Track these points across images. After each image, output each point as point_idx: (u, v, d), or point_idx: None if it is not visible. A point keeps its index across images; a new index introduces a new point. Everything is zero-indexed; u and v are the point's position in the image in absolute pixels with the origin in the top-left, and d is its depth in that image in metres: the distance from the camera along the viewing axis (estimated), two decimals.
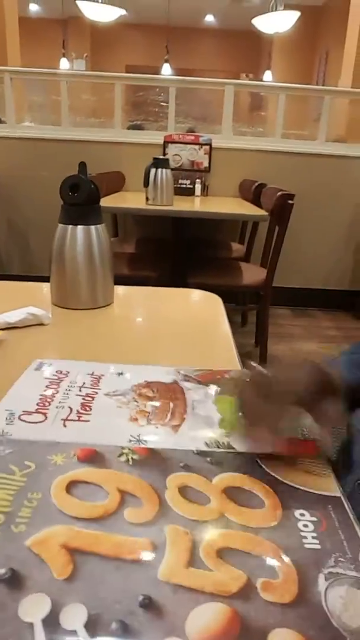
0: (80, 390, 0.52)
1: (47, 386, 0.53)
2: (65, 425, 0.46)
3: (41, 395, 0.51)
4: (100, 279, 0.84)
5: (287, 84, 3.20)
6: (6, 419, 0.47)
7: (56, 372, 0.57)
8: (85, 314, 0.82)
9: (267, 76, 7.47)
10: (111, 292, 0.87)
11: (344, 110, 3.68)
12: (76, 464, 0.39)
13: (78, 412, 0.49)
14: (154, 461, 0.40)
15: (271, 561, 0.30)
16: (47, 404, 0.50)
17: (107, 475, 0.38)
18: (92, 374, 0.56)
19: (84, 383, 0.54)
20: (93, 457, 0.40)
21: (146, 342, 0.73)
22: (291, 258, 2.75)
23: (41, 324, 0.74)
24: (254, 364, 0.49)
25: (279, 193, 2.00)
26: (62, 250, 0.81)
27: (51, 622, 0.25)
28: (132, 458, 0.40)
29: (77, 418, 0.47)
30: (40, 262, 3.01)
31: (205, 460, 0.40)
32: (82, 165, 0.81)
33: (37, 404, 0.50)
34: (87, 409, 0.49)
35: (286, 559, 0.30)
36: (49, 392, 0.52)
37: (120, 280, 0.92)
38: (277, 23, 5.38)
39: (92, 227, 0.81)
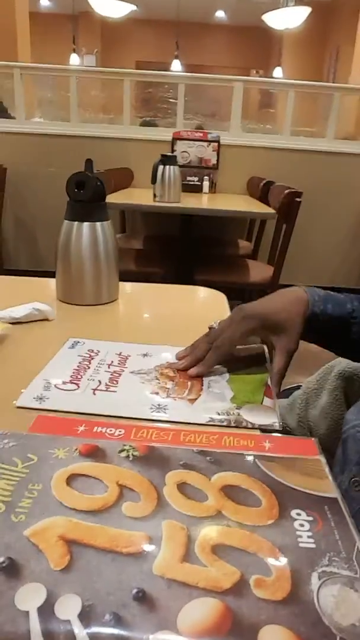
0: (109, 368, 0.60)
1: (79, 362, 0.61)
2: (94, 394, 0.54)
3: (75, 369, 0.59)
4: (105, 276, 0.84)
5: (296, 80, 3.18)
6: (44, 386, 0.54)
7: (88, 350, 0.64)
8: (90, 310, 0.82)
9: (277, 72, 7.43)
10: (116, 289, 0.88)
11: (353, 107, 3.64)
12: (78, 458, 0.40)
13: (106, 384, 0.56)
14: (154, 458, 0.40)
15: (265, 559, 0.30)
16: (79, 376, 0.57)
17: (107, 469, 0.38)
18: (120, 354, 0.64)
19: (112, 361, 0.62)
20: (95, 452, 0.41)
21: (149, 338, 0.73)
22: (298, 255, 2.74)
23: (46, 320, 0.75)
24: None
25: (287, 191, 1.99)
26: (68, 246, 0.81)
27: (46, 611, 0.26)
28: (132, 454, 0.41)
29: (105, 389, 0.55)
30: (47, 257, 3.03)
31: (205, 459, 0.41)
32: (89, 162, 0.81)
33: (71, 376, 0.57)
34: (115, 382, 0.56)
35: (280, 557, 0.31)
36: (82, 367, 0.60)
37: (127, 277, 0.92)
38: (287, 19, 5.35)
39: (98, 223, 0.81)
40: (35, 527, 0.32)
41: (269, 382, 0.57)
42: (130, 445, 0.42)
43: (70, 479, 0.37)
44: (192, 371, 0.58)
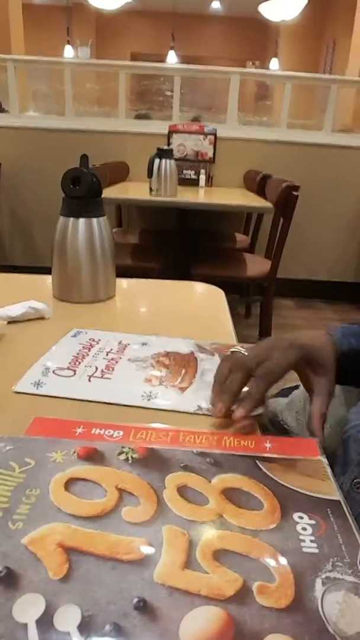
0: (107, 355, 0.61)
1: (79, 350, 0.62)
2: (90, 381, 0.55)
3: (74, 356, 0.60)
4: (102, 273, 0.83)
5: (293, 72, 3.15)
6: (42, 372, 0.56)
7: (89, 339, 0.65)
8: (87, 308, 0.81)
9: (274, 64, 7.36)
10: (113, 286, 0.87)
11: (350, 100, 3.62)
12: (76, 462, 0.39)
13: (102, 371, 0.57)
14: (154, 460, 0.40)
15: (268, 564, 0.30)
16: (77, 363, 0.58)
17: (106, 473, 0.38)
18: (120, 343, 0.65)
19: (111, 349, 0.63)
20: (93, 455, 0.40)
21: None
22: (295, 249, 2.73)
23: (42, 318, 0.74)
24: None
25: (284, 184, 1.98)
26: (64, 243, 0.80)
27: (45, 623, 0.25)
28: (131, 457, 0.40)
29: (100, 376, 0.56)
30: (43, 253, 3.00)
31: (205, 461, 0.40)
32: (84, 158, 0.80)
33: (69, 363, 0.58)
34: (110, 369, 0.58)
35: (283, 562, 0.30)
36: (81, 354, 0.61)
37: (123, 272, 0.91)
38: (284, 10, 5.29)
39: (94, 219, 0.80)
40: (33, 534, 0.31)
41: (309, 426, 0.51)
42: (129, 448, 0.41)
43: (69, 484, 0.36)
44: (238, 413, 0.46)
